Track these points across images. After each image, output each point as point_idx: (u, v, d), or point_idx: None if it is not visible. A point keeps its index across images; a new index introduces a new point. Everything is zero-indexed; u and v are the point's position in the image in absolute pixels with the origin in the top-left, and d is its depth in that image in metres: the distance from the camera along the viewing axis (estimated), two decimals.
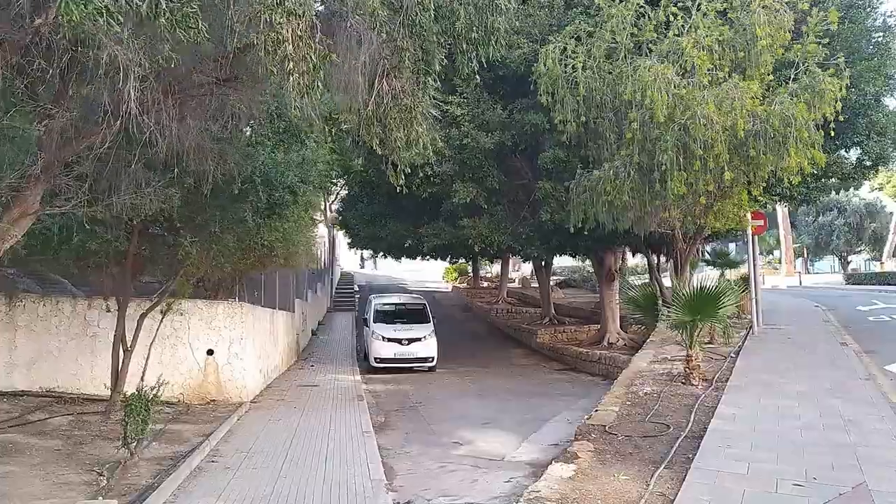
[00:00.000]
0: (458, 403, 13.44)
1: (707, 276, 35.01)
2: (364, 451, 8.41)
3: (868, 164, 19.57)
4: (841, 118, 11.46)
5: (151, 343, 10.53)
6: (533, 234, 17.91)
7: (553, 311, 27.14)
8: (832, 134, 11.48)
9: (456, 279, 48.11)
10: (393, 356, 18.30)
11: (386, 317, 19.87)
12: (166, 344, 11.32)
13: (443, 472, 7.98)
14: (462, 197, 16.53)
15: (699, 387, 10.15)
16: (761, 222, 18.17)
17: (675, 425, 8.03)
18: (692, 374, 10.28)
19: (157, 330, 10.61)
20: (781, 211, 47.61)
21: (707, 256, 31.83)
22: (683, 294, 10.19)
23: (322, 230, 48.35)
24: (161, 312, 10.54)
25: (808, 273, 53.12)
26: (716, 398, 9.31)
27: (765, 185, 15.06)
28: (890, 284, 38.02)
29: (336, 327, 29.21)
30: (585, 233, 14.47)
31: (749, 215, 16.59)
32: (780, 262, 51.97)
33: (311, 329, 25.81)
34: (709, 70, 11.47)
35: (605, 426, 8.02)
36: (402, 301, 21.19)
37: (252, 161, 8.32)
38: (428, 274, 54.45)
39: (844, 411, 8.39)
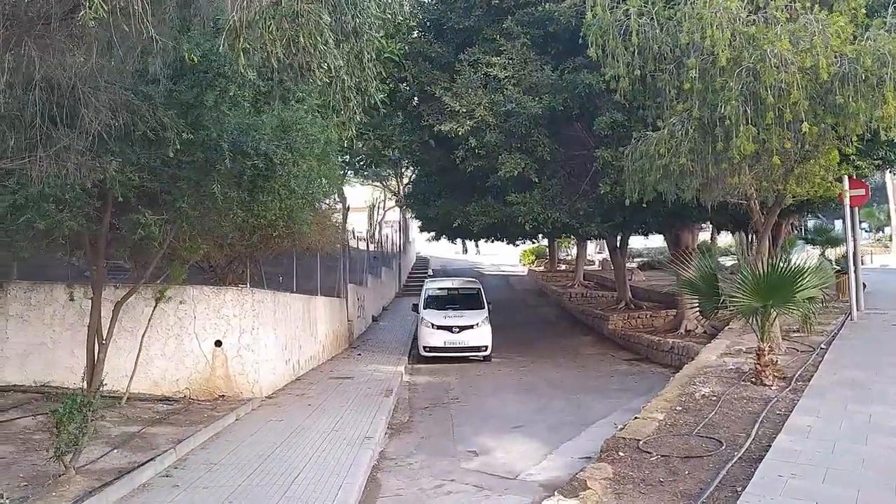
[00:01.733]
0: (498, 400, 12.01)
1: (808, 255, 32.07)
2: (351, 464, 7.14)
3: None
4: None
5: (144, 334, 9.66)
6: (592, 210, 16.13)
7: (630, 296, 25.08)
8: None
9: (533, 262, 46.30)
10: (443, 345, 17.04)
11: (437, 302, 18.62)
12: (170, 334, 10.46)
13: (436, 495, 6.59)
14: (509, 170, 14.95)
15: (773, 387, 8.32)
16: (862, 191, 15.64)
17: (730, 441, 6.33)
18: (764, 371, 8.44)
19: (150, 320, 9.72)
20: (892, 182, 43.10)
21: (809, 234, 28.94)
22: (753, 274, 8.32)
23: (395, 214, 47.81)
24: (155, 300, 9.63)
25: None
26: (790, 403, 7.49)
27: (859, 144, 12.84)
28: None
29: (401, 312, 28.21)
30: (644, 205, 12.67)
31: (846, 182, 14.27)
32: (890, 240, 47.22)
33: (371, 315, 24.96)
34: (786, 5, 9.45)
35: (639, 441, 6.42)
36: (454, 286, 19.82)
37: (219, 125, 7.16)
38: (505, 258, 52.96)
39: None
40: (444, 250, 54.33)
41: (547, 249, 43.37)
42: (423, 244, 46.51)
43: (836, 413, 7.00)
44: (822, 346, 11.11)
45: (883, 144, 14.63)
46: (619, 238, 25.60)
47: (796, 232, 29.10)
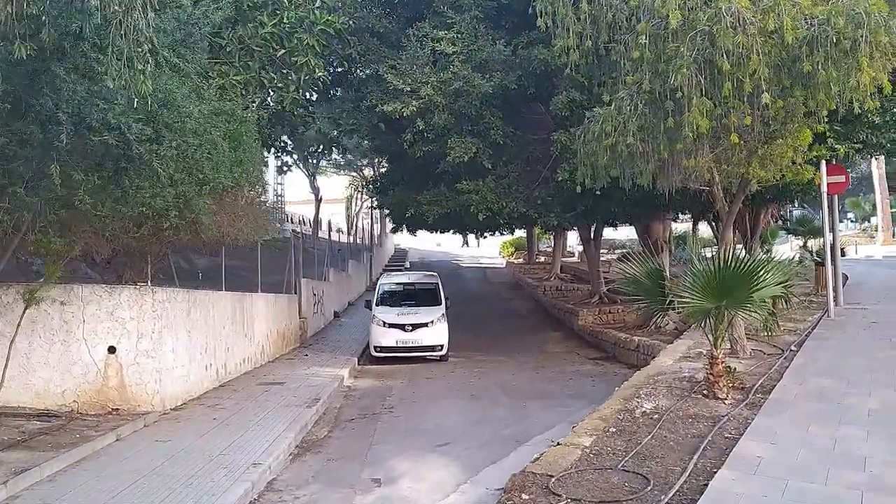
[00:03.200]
0: (438, 408, 10.83)
1: (790, 246, 31.06)
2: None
3: None
4: None
5: (12, 340, 8.41)
6: (551, 198, 14.95)
7: (604, 289, 23.93)
8: None
9: (512, 254, 45.19)
10: (395, 344, 15.86)
11: (391, 299, 17.43)
12: (55, 340, 9.19)
13: None
14: (458, 155, 13.74)
15: (727, 401, 7.15)
16: (841, 178, 14.47)
17: (661, 477, 5.16)
18: (717, 382, 7.27)
19: (19, 325, 8.46)
20: (878, 171, 42.16)
21: (792, 225, 27.89)
22: (703, 271, 7.14)
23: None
24: (25, 302, 8.37)
25: None
26: (744, 423, 6.32)
27: (838, 125, 11.64)
28: None
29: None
30: (598, 193, 11.53)
31: (824, 168, 13.11)
32: (876, 230, 46.33)
33: (333, 311, 23.73)
34: None
35: (551, 477, 5.22)
36: (410, 280, 18.58)
37: (57, 92, 5.90)
38: (486, 250, 51.83)
39: None
40: (426, 242, 53.13)
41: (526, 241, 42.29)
42: (409, 236, 45.26)
43: (795, 437, 5.83)
44: (793, 347, 9.97)
45: (864, 126, 13.50)
46: (592, 229, 24.49)
47: (779, 222, 28.05)
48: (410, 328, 15.92)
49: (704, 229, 36.35)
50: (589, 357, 16.74)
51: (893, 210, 45.72)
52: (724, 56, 7.61)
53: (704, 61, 7.93)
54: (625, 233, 39.34)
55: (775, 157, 9.13)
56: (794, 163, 9.64)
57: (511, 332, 20.90)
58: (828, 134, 11.50)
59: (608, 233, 40.38)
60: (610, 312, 20.49)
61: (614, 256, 35.98)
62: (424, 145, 14.42)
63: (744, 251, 15.69)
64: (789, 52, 7.83)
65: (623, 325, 18.68)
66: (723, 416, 6.53)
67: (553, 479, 5.15)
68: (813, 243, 25.60)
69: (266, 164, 15.53)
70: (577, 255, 41.94)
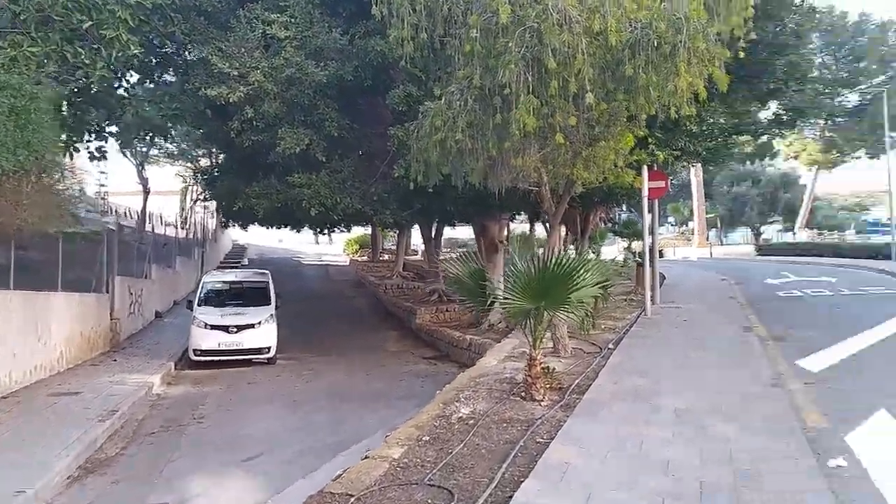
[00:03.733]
0: (256, 416, 10.05)
1: (617, 247, 32.88)
2: None
3: (785, 117, 17.10)
4: (753, 35, 8.53)
5: None
6: (388, 195, 14.53)
7: (443, 287, 23.96)
8: (741, 53, 8.40)
9: (356, 252, 44.51)
10: (217, 347, 14.76)
11: (216, 298, 16.27)
12: None
13: None
14: (290, 145, 12.92)
15: (544, 402, 7.05)
16: (661, 183, 15.28)
17: (467, 490, 4.83)
18: (535, 384, 7.15)
19: None
20: (696, 179, 46.02)
21: (619, 228, 29.50)
22: (523, 272, 6.98)
23: None
24: None
25: (721, 244, 51.95)
26: (557, 426, 6.19)
27: (659, 132, 12.18)
28: (801, 255, 36.66)
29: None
30: (430, 190, 11.24)
31: (645, 173, 13.73)
32: (693, 233, 50.61)
33: (155, 310, 21.86)
34: None
35: (351, 497, 4.73)
36: (237, 279, 17.48)
37: None
38: (332, 247, 50.74)
39: (739, 451, 5.39)
40: (268, 239, 50.79)
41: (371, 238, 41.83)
42: (252, 232, 42.95)
43: (605, 440, 5.75)
44: (611, 346, 10.23)
45: (683, 134, 14.29)
46: (434, 227, 24.46)
47: (608, 224, 29.63)
48: (235, 330, 14.89)
49: (542, 230, 37.83)
50: (424, 356, 16.56)
51: (709, 215, 50.17)
52: (552, 54, 7.51)
53: (532, 58, 7.80)
54: (468, 232, 40.06)
55: (598, 159, 9.25)
56: (616, 166, 9.87)
57: (349, 332, 20.33)
58: (650, 140, 11.99)
59: (454, 231, 40.96)
60: (447, 311, 20.50)
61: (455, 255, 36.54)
62: (253, 134, 13.45)
63: (574, 251, 16.26)
64: (613, 55, 7.88)
65: (459, 324, 18.72)
66: (537, 420, 6.38)
67: (352, 500, 4.66)
68: (636, 245, 27.27)
69: (76, 150, 13.79)
70: (420, 253, 42.13)
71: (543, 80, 7.97)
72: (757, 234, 52.18)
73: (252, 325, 15.04)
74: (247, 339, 14.87)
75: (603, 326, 12.31)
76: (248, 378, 13.53)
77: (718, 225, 53.49)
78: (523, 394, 7.23)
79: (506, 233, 20.65)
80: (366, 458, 5.53)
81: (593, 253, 21.82)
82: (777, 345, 10.53)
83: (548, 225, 20.95)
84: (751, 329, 11.87)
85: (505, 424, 6.32)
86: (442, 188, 11.56)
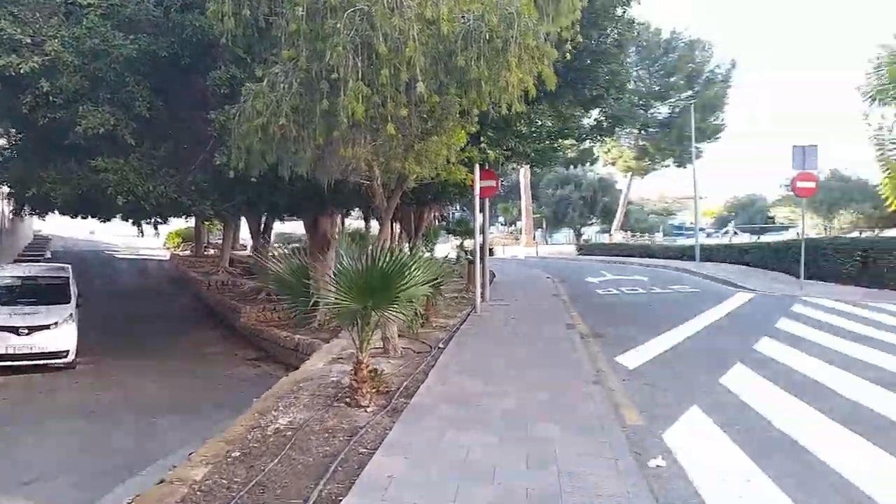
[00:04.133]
0: (39, 434, 8.77)
1: (451, 245, 33.31)
2: None
3: (605, 124, 18.07)
4: (580, 38, 8.67)
5: None
6: (207, 184, 13.41)
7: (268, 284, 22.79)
8: (568, 56, 8.50)
9: (178, 245, 41.61)
10: (4, 351, 12.89)
11: (7, 296, 14.29)
12: None
13: None
14: (92, 125, 11.42)
15: (370, 408, 6.64)
16: (492, 182, 15.45)
17: None
18: (360, 389, 6.72)
19: None
20: (524, 180, 47.94)
21: (456, 225, 29.86)
22: (349, 270, 6.52)
23: None
24: None
25: (546, 243, 54.69)
26: (382, 434, 5.80)
27: (492, 132, 12.25)
28: (617, 255, 39.35)
29: None
30: (254, 180, 10.46)
31: (477, 171, 13.78)
32: (521, 233, 52.81)
33: None
34: None
35: None
36: (31, 274, 15.49)
37: None
38: (159, 241, 46.99)
39: (563, 454, 5.30)
40: (77, 230, 45.96)
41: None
42: (59, 222, 38.42)
43: (429, 448, 5.44)
44: (440, 345, 10.05)
45: (513, 135, 14.54)
46: (262, 221, 23.33)
47: (442, 222, 29.94)
48: (27, 331, 13.12)
49: (377, 227, 37.47)
50: (247, 358, 15.64)
51: (535, 216, 52.54)
52: (382, 39, 7.11)
53: (363, 43, 7.34)
54: (302, 227, 38.75)
55: (431, 153, 9.01)
56: (448, 161, 9.69)
57: (166, 333, 18.78)
58: (482, 138, 12.01)
59: (286, 226, 39.44)
60: (276, 310, 19.48)
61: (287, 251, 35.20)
62: (50, 111, 11.77)
63: (408, 249, 16.02)
64: (446, 46, 7.63)
65: (287, 323, 17.87)
66: (361, 428, 5.95)
67: None
68: (469, 243, 27.75)
69: None
70: (249, 248, 40.20)
71: (374, 67, 7.55)
72: (578, 235, 55.53)
73: (47, 326, 13.32)
74: (40, 342, 13.15)
75: (435, 325, 12.16)
76: (40, 387, 11.96)
77: (544, 225, 56.28)
78: (348, 399, 6.77)
79: (338, 228, 20.07)
80: (161, 481, 4.79)
81: (427, 251, 21.84)
82: (597, 341, 10.91)
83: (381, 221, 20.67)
84: (573, 326, 12.26)
85: (326, 435, 5.82)
86: (268, 179, 10.84)
